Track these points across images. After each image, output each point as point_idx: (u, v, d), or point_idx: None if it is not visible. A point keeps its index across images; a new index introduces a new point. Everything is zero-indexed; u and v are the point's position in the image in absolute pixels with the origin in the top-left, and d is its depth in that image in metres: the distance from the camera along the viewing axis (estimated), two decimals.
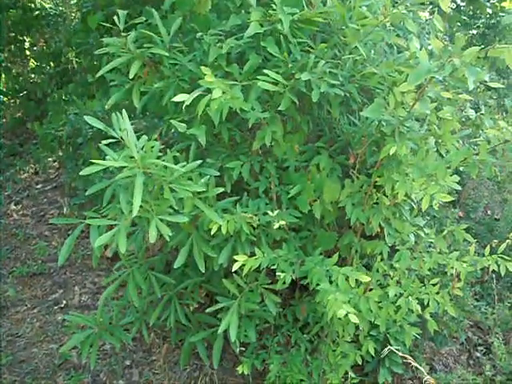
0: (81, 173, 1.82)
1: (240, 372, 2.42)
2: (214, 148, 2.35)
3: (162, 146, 1.92)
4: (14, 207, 4.42)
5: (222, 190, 2.08)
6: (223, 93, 1.89)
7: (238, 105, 1.94)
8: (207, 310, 2.34)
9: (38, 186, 4.67)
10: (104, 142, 1.87)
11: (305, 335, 2.51)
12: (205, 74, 1.91)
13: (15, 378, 2.93)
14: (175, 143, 2.37)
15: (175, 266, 2.13)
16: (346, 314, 1.85)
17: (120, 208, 1.89)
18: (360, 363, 2.41)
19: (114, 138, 1.88)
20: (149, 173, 1.83)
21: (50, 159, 4.88)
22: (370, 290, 2.18)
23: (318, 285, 2.00)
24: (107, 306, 3.06)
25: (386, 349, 2.29)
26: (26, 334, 3.24)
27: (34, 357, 3.07)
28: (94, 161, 1.80)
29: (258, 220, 2.08)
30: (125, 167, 1.80)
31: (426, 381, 2.37)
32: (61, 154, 4.57)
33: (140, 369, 2.92)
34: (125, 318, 2.58)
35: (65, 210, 4.16)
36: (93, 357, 2.44)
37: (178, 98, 1.93)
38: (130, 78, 2.22)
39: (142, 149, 1.87)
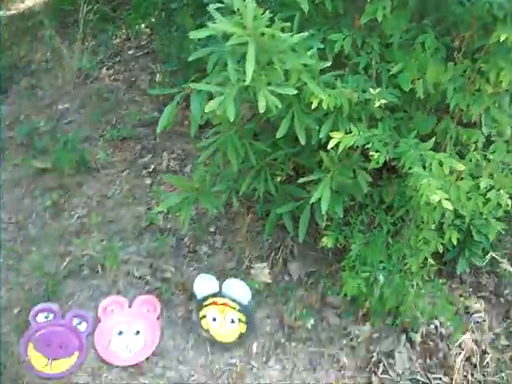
0: (190, 35, 1.83)
1: (324, 244, 2.51)
2: (315, 19, 2.33)
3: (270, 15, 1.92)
4: (106, 72, 4.54)
5: (328, 63, 2.07)
6: None
7: None
8: (300, 181, 2.38)
9: (130, 52, 4.74)
10: (213, 5, 1.88)
11: (389, 217, 2.55)
12: None
13: (103, 238, 3.14)
14: (273, 13, 2.34)
15: (277, 136, 2.17)
16: (439, 201, 1.89)
17: (227, 75, 1.91)
18: (440, 251, 2.45)
19: (221, 2, 1.90)
20: (259, 41, 1.83)
21: (142, 25, 4.92)
22: (461, 179, 2.19)
23: (410, 168, 2.02)
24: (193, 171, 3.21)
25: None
26: (114, 195, 3.43)
27: (122, 218, 3.27)
28: (208, 24, 1.79)
29: (358, 97, 2.08)
30: (233, 34, 1.81)
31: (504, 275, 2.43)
32: (153, 20, 4.61)
33: (223, 236, 3.08)
34: (216, 186, 2.68)
35: (157, 76, 4.24)
36: (186, 220, 2.55)
37: None
38: None
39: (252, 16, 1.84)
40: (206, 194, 2.58)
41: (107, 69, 4.56)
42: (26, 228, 3.35)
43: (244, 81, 1.81)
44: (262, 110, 1.89)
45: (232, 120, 1.90)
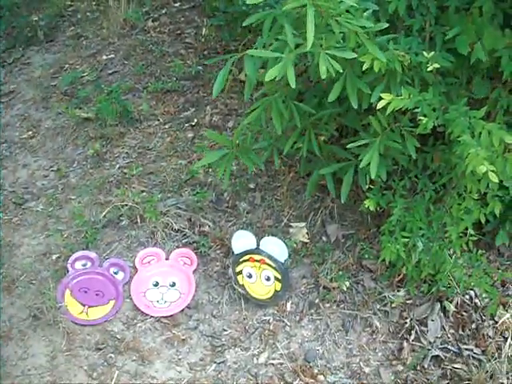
0: None
1: (365, 207, 2.51)
2: None
3: None
4: (152, 24, 4.53)
5: (385, 25, 2.03)
6: None
7: None
8: (349, 146, 2.37)
9: (176, 5, 4.72)
10: None
11: (431, 184, 2.53)
12: None
13: (143, 189, 3.18)
14: None
15: (329, 100, 2.16)
16: (486, 172, 1.87)
17: (284, 40, 1.91)
18: (481, 222, 2.44)
19: None
20: (316, 4, 1.81)
21: None
22: (509, 151, 2.16)
23: (458, 136, 2.00)
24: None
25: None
26: (156, 147, 3.46)
27: (163, 170, 3.30)
28: None
29: (410, 60, 2.06)
30: None
31: None
32: None
33: (263, 193, 3.09)
34: (257, 144, 2.69)
35: (203, 30, 4.23)
36: (227, 176, 2.57)
37: None
38: None
39: None
40: (247, 151, 2.59)
41: (153, 21, 4.56)
42: (67, 176, 3.42)
43: (300, 45, 1.82)
44: (323, 75, 1.88)
45: (293, 86, 1.90)
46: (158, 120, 3.67)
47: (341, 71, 1.90)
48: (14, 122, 3.92)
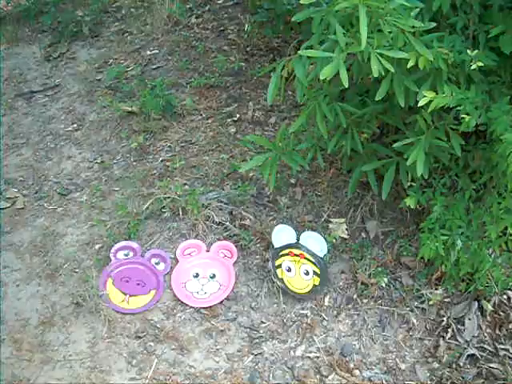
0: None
1: (406, 205, 2.55)
2: None
3: None
4: (195, 20, 4.62)
5: (433, 24, 2.07)
6: None
7: None
8: (395, 145, 2.42)
9: (219, 1, 4.79)
10: None
11: (472, 183, 2.55)
12: None
13: (185, 182, 3.26)
14: None
15: (377, 98, 2.20)
16: None
17: (335, 40, 1.96)
18: None
19: None
20: (367, 4, 1.86)
21: None
22: None
23: (501, 135, 2.02)
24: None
25: None
26: (198, 141, 3.54)
27: (205, 164, 3.37)
28: None
29: (453, 58, 2.09)
30: None
31: None
32: None
33: (304, 188, 3.15)
34: (300, 145, 2.76)
35: (246, 27, 4.29)
36: (272, 178, 2.67)
37: None
38: None
39: None
40: (290, 152, 2.68)
41: (196, 17, 4.64)
42: (111, 168, 3.52)
43: (349, 44, 1.87)
44: (376, 74, 1.94)
45: (347, 86, 1.96)
46: (201, 115, 3.75)
47: (392, 70, 1.95)
48: (60, 114, 4.05)
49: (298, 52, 2.13)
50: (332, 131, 2.67)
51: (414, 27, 2.02)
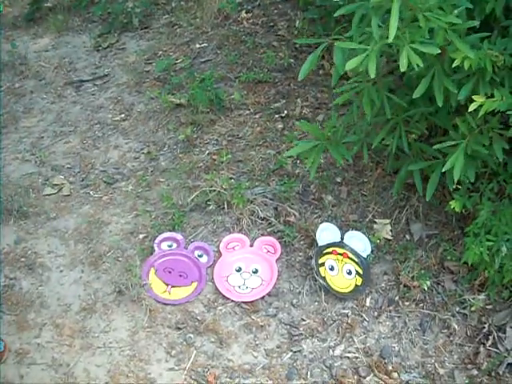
0: None
1: (451, 208, 2.58)
2: None
3: None
4: (245, 15, 4.68)
5: (476, 23, 2.10)
6: None
7: None
8: (435, 147, 2.45)
9: None
10: None
11: None
12: None
13: (231, 176, 3.32)
14: None
15: (414, 96, 2.24)
16: None
17: (370, 32, 2.01)
18: None
19: None
20: None
21: None
22: None
23: None
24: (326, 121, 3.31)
25: None
26: (246, 136, 3.60)
27: (251, 159, 3.43)
28: None
29: (504, 61, 2.11)
30: None
31: None
32: None
33: (349, 188, 3.18)
34: (347, 137, 2.78)
35: (296, 23, 4.33)
36: (314, 168, 2.69)
37: None
38: None
39: None
40: (337, 144, 2.70)
41: (246, 12, 4.70)
42: (157, 159, 3.61)
43: (387, 37, 1.90)
44: (403, 68, 1.97)
45: (373, 76, 2.01)
46: (249, 109, 3.81)
47: (421, 65, 1.96)
48: (108, 104, 4.16)
49: (335, 43, 2.16)
50: (380, 128, 2.70)
51: (454, 24, 2.03)
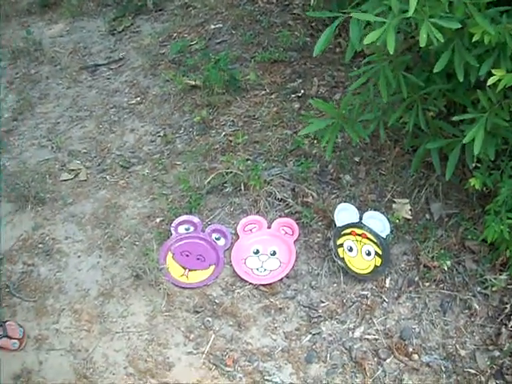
0: None
1: (471, 185, 2.55)
2: None
3: None
4: None
5: None
6: None
7: None
8: (454, 118, 2.40)
9: None
10: None
11: None
12: None
13: (248, 157, 3.31)
14: None
15: (434, 71, 2.19)
16: None
17: (389, 5, 1.97)
18: None
19: None
20: None
21: None
22: None
23: None
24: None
25: None
26: (262, 117, 3.58)
27: (268, 140, 3.41)
28: None
29: None
30: None
31: None
32: None
33: (367, 167, 3.15)
34: (363, 115, 2.74)
35: (311, 1, 4.26)
36: (330, 146, 2.67)
37: None
38: None
39: None
40: (352, 122, 2.67)
41: None
42: (173, 142, 3.61)
43: (406, 12, 1.87)
44: (423, 44, 1.93)
45: (392, 52, 1.96)
46: (265, 90, 3.79)
47: (442, 41, 1.93)
48: (123, 88, 4.17)
49: (351, 14, 2.13)
50: (397, 105, 2.67)
51: None
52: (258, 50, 4.09)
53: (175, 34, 4.53)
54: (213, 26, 4.48)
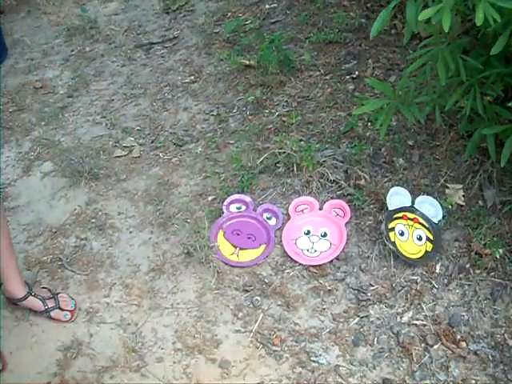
0: None
1: None
2: None
3: None
4: None
5: None
6: None
7: None
8: (510, 104, 2.37)
9: None
10: None
11: None
12: None
13: (301, 138, 3.30)
14: None
15: (492, 53, 2.15)
16: None
17: None
18: None
19: None
20: None
21: None
22: None
23: None
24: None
25: None
26: (316, 98, 3.58)
27: (321, 121, 3.41)
28: None
29: None
30: None
31: None
32: None
33: (421, 151, 3.12)
34: (419, 98, 2.71)
35: None
36: (384, 128, 2.66)
37: None
38: None
39: None
40: (408, 103, 2.64)
41: None
42: (227, 121, 3.63)
43: None
44: (479, 23, 1.89)
45: (447, 31, 1.94)
46: (319, 71, 3.77)
47: (499, 21, 1.89)
48: (177, 66, 4.19)
49: None
50: (454, 88, 2.63)
51: None
52: (313, 30, 4.08)
53: (229, 14, 4.54)
54: (267, 6, 4.47)
